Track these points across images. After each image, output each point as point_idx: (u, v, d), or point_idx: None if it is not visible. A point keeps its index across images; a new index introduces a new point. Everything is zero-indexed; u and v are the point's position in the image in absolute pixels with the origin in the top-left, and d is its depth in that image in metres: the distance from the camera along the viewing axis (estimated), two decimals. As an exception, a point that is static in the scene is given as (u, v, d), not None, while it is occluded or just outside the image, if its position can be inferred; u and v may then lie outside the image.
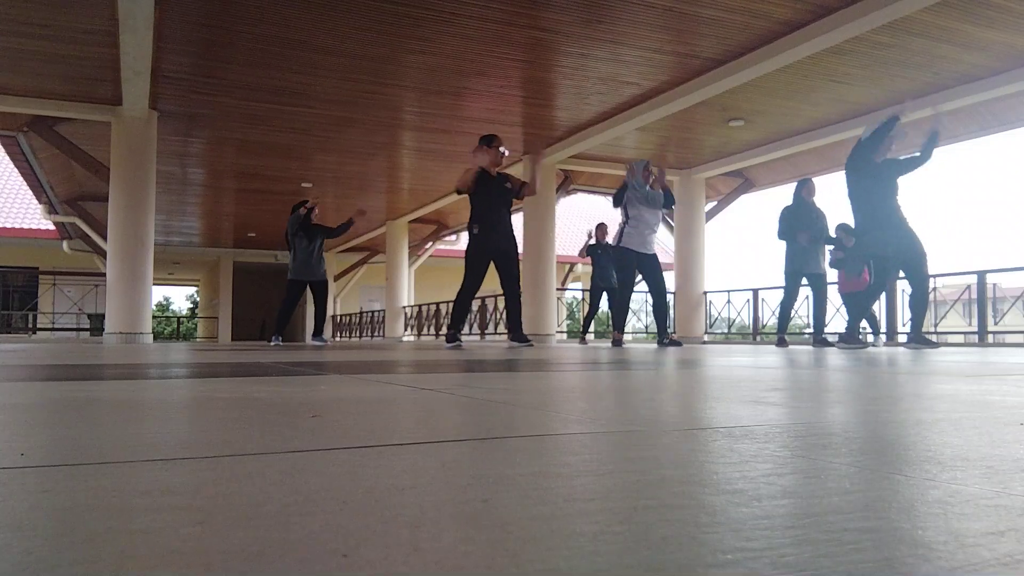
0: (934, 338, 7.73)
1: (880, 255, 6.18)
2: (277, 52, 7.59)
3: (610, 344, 8.10)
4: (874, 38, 7.14)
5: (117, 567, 0.43)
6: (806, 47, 7.06)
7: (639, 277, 7.58)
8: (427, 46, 7.47)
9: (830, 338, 7.76)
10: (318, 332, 9.34)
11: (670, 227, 13.48)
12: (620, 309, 7.76)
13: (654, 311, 7.69)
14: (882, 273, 6.26)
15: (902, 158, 6.37)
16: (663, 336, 7.51)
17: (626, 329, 7.85)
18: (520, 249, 12.14)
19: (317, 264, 9.10)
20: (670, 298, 13.66)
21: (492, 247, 6.55)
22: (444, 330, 16.94)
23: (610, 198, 7.89)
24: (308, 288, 9.16)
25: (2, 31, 7.08)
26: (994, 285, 10.00)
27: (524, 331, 6.88)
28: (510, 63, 7.95)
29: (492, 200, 6.57)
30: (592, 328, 12.90)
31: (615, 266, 7.76)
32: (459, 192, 6.62)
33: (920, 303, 6.19)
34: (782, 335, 7.82)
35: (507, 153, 6.84)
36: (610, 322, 8.81)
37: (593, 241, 10.33)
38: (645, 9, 6.63)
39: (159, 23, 6.76)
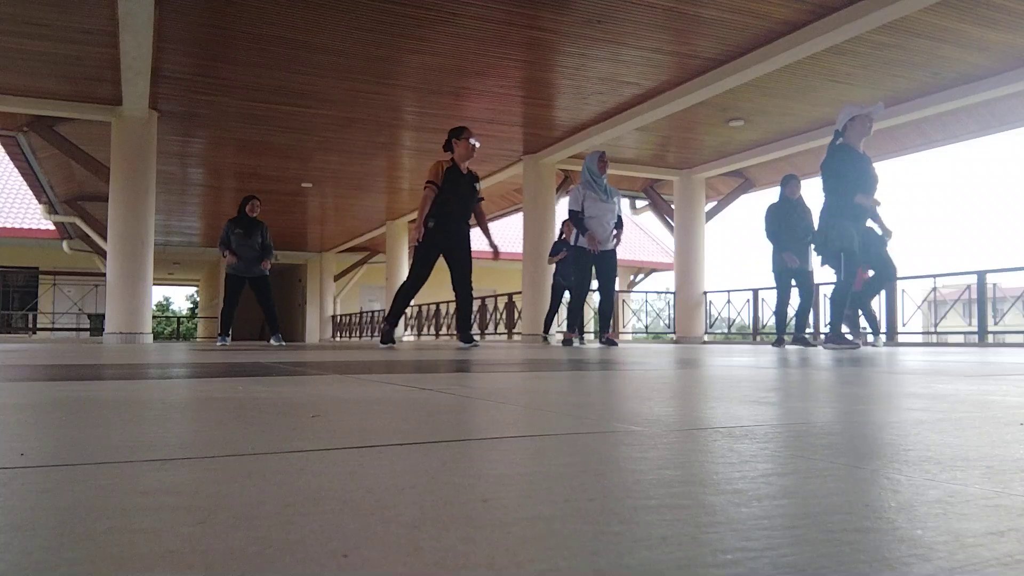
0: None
1: (848, 248, 5.98)
2: (277, 52, 7.60)
3: (561, 343, 7.90)
4: (874, 38, 7.14)
5: (117, 567, 0.43)
6: (806, 47, 7.06)
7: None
8: (427, 46, 7.47)
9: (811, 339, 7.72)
10: (275, 331, 8.70)
11: (670, 227, 13.49)
12: (576, 309, 7.60)
13: (601, 308, 7.59)
14: (852, 266, 6.07)
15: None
16: (604, 334, 7.47)
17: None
18: (519, 249, 12.11)
19: (255, 260, 8.50)
20: (670, 298, 13.68)
21: (443, 243, 6.29)
22: (445, 330, 16.97)
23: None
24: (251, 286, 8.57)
25: (2, 31, 7.09)
26: (994, 285, 9.99)
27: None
28: (510, 63, 7.95)
29: (454, 195, 6.28)
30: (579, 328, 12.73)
31: (572, 266, 7.62)
32: (428, 184, 6.26)
33: (887, 300, 6.11)
34: (780, 336, 7.78)
35: (478, 145, 6.48)
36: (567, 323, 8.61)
37: (559, 238, 10.18)
38: (645, 9, 6.63)
39: (159, 23, 6.77)
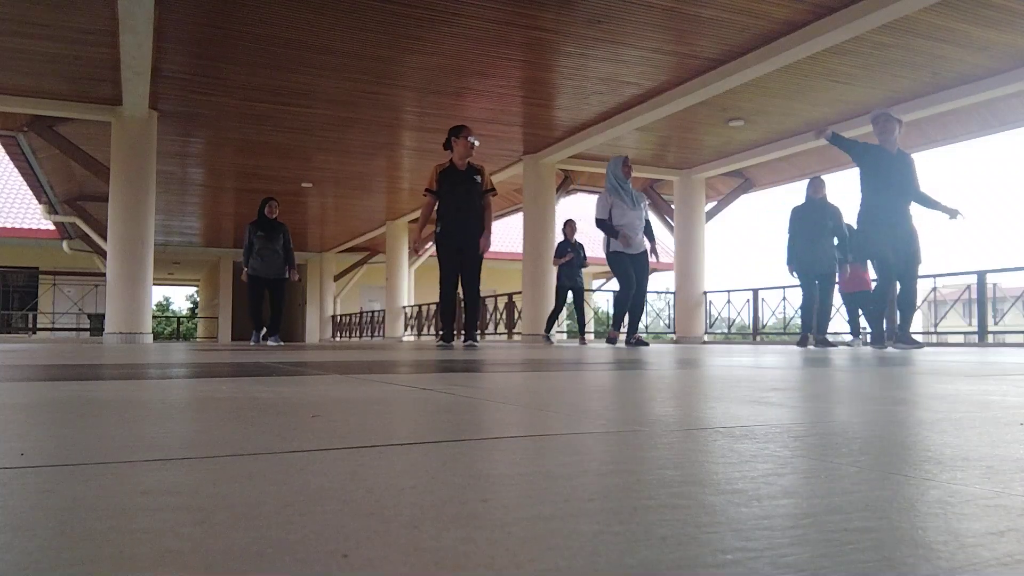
0: (920, 339, 7.72)
1: (878, 254, 6.03)
2: (277, 52, 7.60)
3: (607, 341, 7.97)
4: (874, 38, 7.14)
5: (117, 567, 0.43)
6: (806, 47, 7.07)
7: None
8: (427, 46, 7.47)
9: (830, 338, 7.72)
10: (274, 331, 8.82)
11: (670, 227, 13.48)
12: (621, 309, 7.64)
13: (631, 309, 7.57)
14: (885, 272, 6.10)
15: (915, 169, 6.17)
16: (632, 336, 7.39)
17: (624, 328, 7.78)
18: (519, 249, 12.08)
19: (280, 263, 8.72)
20: (670, 298, 13.68)
21: (455, 242, 6.33)
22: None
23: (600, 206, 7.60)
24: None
25: (2, 31, 7.09)
26: (994, 285, 10.00)
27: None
28: (510, 63, 7.95)
29: (454, 193, 6.30)
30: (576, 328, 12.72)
31: (614, 273, 7.54)
32: (427, 192, 6.42)
33: (909, 305, 6.13)
34: (805, 334, 7.75)
35: (476, 143, 6.48)
36: (611, 322, 8.68)
37: (562, 238, 10.17)
38: (645, 9, 6.63)
39: (159, 23, 6.77)
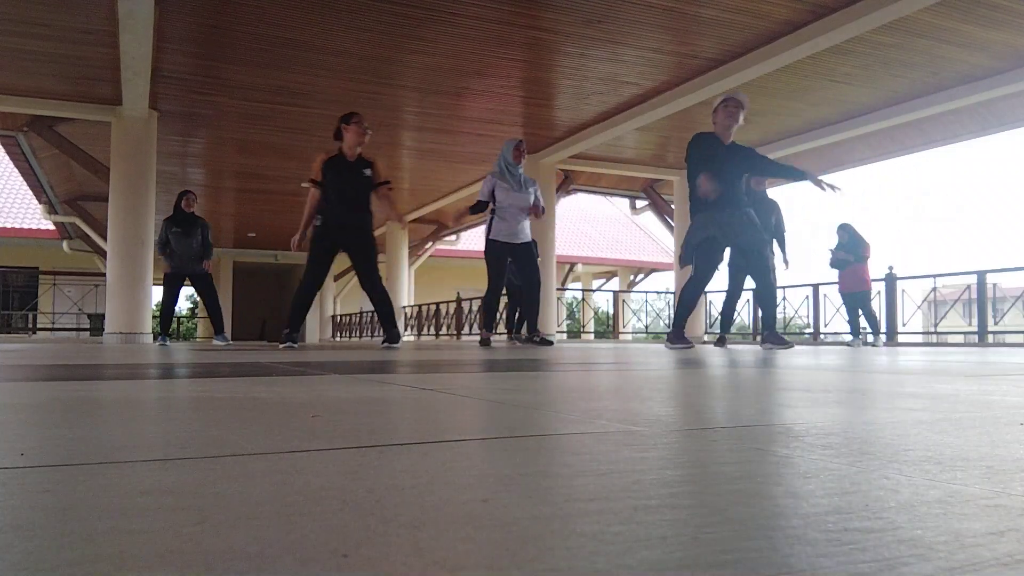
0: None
1: (706, 237, 5.44)
2: (277, 52, 7.60)
3: (479, 343, 7.09)
4: (874, 38, 7.14)
5: (117, 567, 0.43)
6: (806, 47, 7.07)
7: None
8: (427, 46, 7.48)
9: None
10: (219, 331, 8.27)
11: (670, 227, 13.48)
12: (490, 306, 6.88)
13: (525, 304, 7.00)
14: (707, 259, 5.53)
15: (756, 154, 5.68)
16: (533, 333, 6.86)
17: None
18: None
19: (195, 258, 8.00)
20: (670, 298, 13.67)
21: (334, 239, 5.73)
22: (445, 330, 16.96)
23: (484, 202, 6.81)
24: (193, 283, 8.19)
25: (2, 31, 7.09)
26: (994, 285, 10.01)
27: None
28: (510, 63, 7.96)
29: (339, 186, 5.68)
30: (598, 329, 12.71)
31: (485, 261, 6.82)
32: (312, 183, 5.78)
33: (767, 301, 5.57)
34: (723, 335, 7.59)
35: (370, 132, 6.01)
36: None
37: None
38: (645, 9, 6.64)
39: (159, 23, 6.77)
